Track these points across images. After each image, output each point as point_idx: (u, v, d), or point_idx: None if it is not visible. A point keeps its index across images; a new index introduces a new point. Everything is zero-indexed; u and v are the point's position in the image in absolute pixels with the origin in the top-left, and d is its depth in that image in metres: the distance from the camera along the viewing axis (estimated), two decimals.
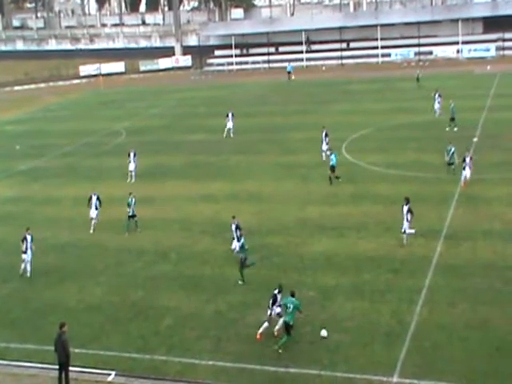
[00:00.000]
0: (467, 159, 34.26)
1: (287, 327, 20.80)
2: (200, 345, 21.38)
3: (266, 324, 21.56)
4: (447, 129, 46.01)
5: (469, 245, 27.20)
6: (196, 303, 24.16)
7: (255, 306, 23.39)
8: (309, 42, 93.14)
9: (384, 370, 19.10)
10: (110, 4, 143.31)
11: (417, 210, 31.25)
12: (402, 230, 27.68)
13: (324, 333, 21.28)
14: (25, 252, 27.46)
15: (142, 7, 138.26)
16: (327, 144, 41.10)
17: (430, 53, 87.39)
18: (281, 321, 21.21)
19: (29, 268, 27.51)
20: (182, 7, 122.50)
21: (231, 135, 50.58)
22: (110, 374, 19.95)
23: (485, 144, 42.05)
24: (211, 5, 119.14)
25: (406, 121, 49.50)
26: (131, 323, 23.04)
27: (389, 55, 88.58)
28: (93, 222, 32.37)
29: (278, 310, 21.55)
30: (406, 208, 27.64)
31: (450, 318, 21.66)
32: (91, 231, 32.29)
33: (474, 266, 25.16)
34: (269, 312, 21.60)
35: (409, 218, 27.49)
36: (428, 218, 30.46)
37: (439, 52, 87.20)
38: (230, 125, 50.60)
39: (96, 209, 32.33)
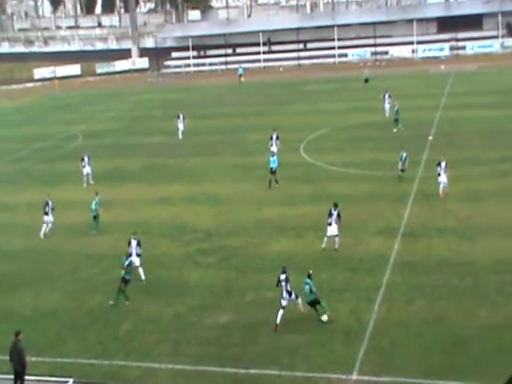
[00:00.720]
0: (442, 164, 32.71)
1: (313, 304, 21.71)
2: (159, 348, 21.25)
3: (281, 312, 21.78)
4: (395, 130, 46.35)
5: (425, 242, 27.57)
6: (155, 307, 23.99)
7: (214, 308, 23.36)
8: (269, 43, 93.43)
9: (343, 369, 19.22)
10: (64, 6, 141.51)
11: (374, 209, 31.86)
12: (328, 234, 27.58)
13: (325, 317, 21.71)
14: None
15: (98, 9, 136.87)
16: (277, 146, 41.20)
17: (386, 53, 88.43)
18: (299, 301, 22.20)
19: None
20: (138, 9, 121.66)
21: (180, 136, 50.89)
22: (67, 382, 19.64)
23: (440, 142, 42.70)
24: (168, 6, 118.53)
25: (363, 120, 49.97)
26: (89, 329, 22.76)
27: (345, 55, 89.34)
28: (49, 226, 32.14)
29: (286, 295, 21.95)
30: (335, 212, 27.59)
31: (407, 314, 21.91)
32: (43, 235, 32.00)
33: (430, 263, 25.52)
34: (284, 301, 21.92)
35: (337, 221, 27.43)
36: (385, 216, 30.82)
37: (395, 52, 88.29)
38: (181, 126, 50.95)
39: (49, 213, 32.08)
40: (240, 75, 79.91)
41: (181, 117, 51.23)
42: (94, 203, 32.07)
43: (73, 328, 22.93)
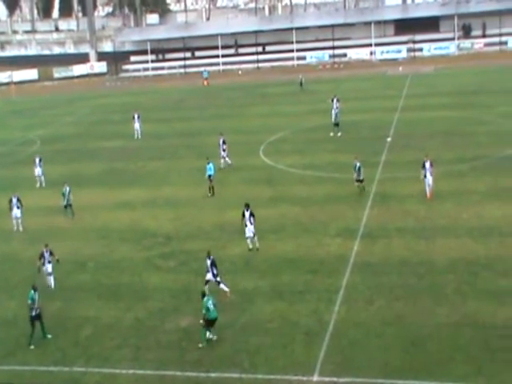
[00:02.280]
0: (427, 165, 32.42)
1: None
2: (120, 354, 21.13)
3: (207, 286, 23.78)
4: (336, 134, 46.57)
5: (384, 243, 27.88)
6: (115, 312, 23.84)
7: (175, 312, 23.32)
8: (236, 46, 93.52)
9: (304, 370, 19.35)
10: (21, 10, 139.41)
11: (334, 211, 32.12)
12: (246, 235, 28.11)
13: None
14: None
15: (55, 13, 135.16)
16: (224, 151, 41.26)
17: (345, 55, 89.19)
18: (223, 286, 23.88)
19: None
20: (96, 13, 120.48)
21: (139, 137, 51.63)
22: None
23: (398, 143, 43.24)
24: (126, 10, 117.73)
25: (322, 122, 50.30)
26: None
27: (304, 58, 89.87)
28: (19, 221, 33.18)
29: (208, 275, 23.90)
30: (247, 213, 28.05)
31: (366, 315, 22.14)
32: (20, 229, 33.19)
33: (389, 263, 25.82)
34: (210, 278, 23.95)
35: (252, 221, 27.94)
36: (345, 217, 31.11)
37: (353, 54, 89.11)
38: (136, 126, 51.75)
39: (18, 208, 33.29)
40: (205, 78, 79.76)
41: (135, 117, 52.02)
42: (63, 192, 34.30)
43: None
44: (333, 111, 48.14)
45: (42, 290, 24.89)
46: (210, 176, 36.16)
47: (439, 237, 27.91)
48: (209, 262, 24.02)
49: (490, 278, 23.82)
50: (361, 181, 34.22)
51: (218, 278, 24.02)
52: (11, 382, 19.84)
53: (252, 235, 28.12)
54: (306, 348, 20.53)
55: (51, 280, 25.97)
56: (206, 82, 79.29)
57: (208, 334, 21.38)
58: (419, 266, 25.26)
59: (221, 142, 41.60)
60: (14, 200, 33.42)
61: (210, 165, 36.38)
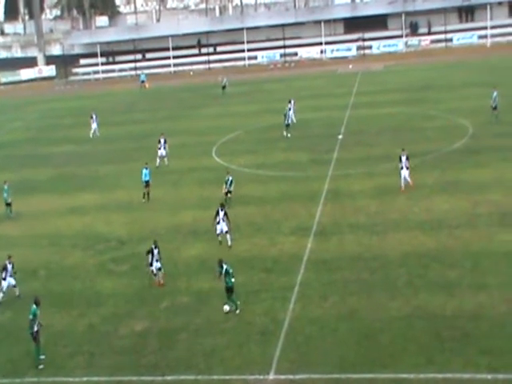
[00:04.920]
0: (403, 158, 32.72)
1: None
2: (73, 361, 20.85)
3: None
4: (285, 134, 46.38)
5: (337, 239, 28.10)
6: (68, 319, 23.51)
7: (129, 317, 23.10)
8: (199, 45, 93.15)
9: (260, 369, 19.38)
10: None
11: (287, 209, 32.25)
12: (217, 232, 28.50)
13: (226, 308, 22.38)
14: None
15: (1, 16, 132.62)
16: (165, 149, 41.53)
17: (295, 54, 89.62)
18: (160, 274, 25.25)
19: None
20: (43, 16, 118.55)
21: (97, 134, 52.69)
22: None
23: (349, 140, 43.65)
24: (75, 13, 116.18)
25: (274, 122, 50.44)
26: None
27: (255, 58, 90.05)
28: None
29: (158, 264, 25.12)
30: (222, 213, 28.40)
31: (321, 311, 22.28)
32: None
33: (343, 259, 26.04)
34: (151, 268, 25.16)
35: (224, 220, 28.34)
36: (298, 215, 31.25)
37: (304, 53, 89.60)
38: (94, 126, 52.90)
39: None
40: (142, 81, 79.11)
41: (93, 116, 53.09)
42: (4, 192, 34.55)
43: None
44: (289, 112, 48.16)
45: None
46: (146, 182, 35.60)
47: (391, 231, 28.26)
48: (156, 252, 25.28)
49: (440, 270, 24.24)
50: (229, 192, 33.70)
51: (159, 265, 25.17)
52: None
53: (224, 231, 28.36)
54: (261, 347, 20.55)
55: (17, 291, 25.23)
56: (145, 85, 78.43)
57: (227, 306, 22.45)
58: (372, 260, 25.55)
59: (162, 141, 41.49)
60: None
61: (147, 170, 35.69)
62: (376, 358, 19.28)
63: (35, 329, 20.85)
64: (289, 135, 46.19)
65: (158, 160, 41.36)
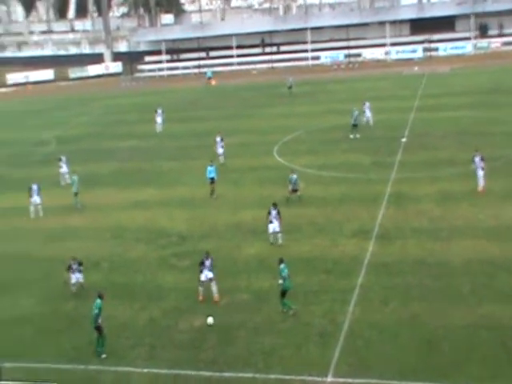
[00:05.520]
0: (476, 159, 32.44)
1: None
2: (135, 353, 21.19)
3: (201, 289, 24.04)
4: (351, 136, 46.16)
5: (399, 243, 27.73)
6: (129, 311, 23.90)
7: (188, 312, 23.35)
8: (263, 45, 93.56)
9: (318, 370, 19.29)
10: (37, 11, 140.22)
11: (348, 211, 32.01)
12: (270, 231, 28.64)
13: (210, 320, 22.18)
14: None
15: (71, 14, 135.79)
16: (222, 148, 41.70)
17: (359, 55, 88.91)
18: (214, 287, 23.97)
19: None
20: (111, 13, 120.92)
21: (161, 130, 53.62)
22: None
23: (413, 144, 43.02)
24: (141, 10, 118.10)
25: (337, 122, 50.18)
26: (64, 334, 22.61)
27: (318, 58, 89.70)
28: (39, 207, 34.90)
29: (210, 274, 23.95)
30: (274, 211, 28.57)
31: (381, 315, 22.03)
32: (41, 214, 34.83)
33: (405, 264, 25.67)
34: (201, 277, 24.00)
35: (278, 219, 28.46)
36: (359, 217, 30.98)
37: (368, 54, 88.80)
38: (159, 120, 53.93)
39: (37, 195, 34.96)
40: (209, 78, 79.86)
41: (158, 111, 54.24)
42: (73, 183, 36.05)
43: (48, 333, 22.81)
44: (366, 114, 47.80)
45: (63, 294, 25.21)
46: (212, 178, 35.97)
47: (455, 237, 27.72)
48: (208, 263, 24.09)
49: (507, 279, 23.63)
50: (296, 190, 33.84)
51: (212, 274, 24.07)
52: (27, 378, 19.93)
53: (276, 231, 28.51)
54: (320, 348, 20.47)
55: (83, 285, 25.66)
56: (212, 82, 79.16)
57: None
58: (435, 266, 25.12)
59: (218, 139, 41.68)
60: (35, 187, 35.08)
61: (212, 167, 36.15)
62: (437, 367, 18.96)
63: (99, 322, 21.27)
64: (357, 136, 45.84)
65: (220, 158, 41.62)
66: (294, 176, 33.81)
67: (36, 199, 34.99)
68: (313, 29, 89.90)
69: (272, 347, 20.79)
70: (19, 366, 20.63)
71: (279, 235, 28.58)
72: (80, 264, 25.43)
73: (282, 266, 22.72)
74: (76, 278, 25.33)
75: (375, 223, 30.03)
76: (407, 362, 19.32)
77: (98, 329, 21.29)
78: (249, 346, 20.95)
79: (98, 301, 21.42)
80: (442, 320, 21.29)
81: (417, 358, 19.47)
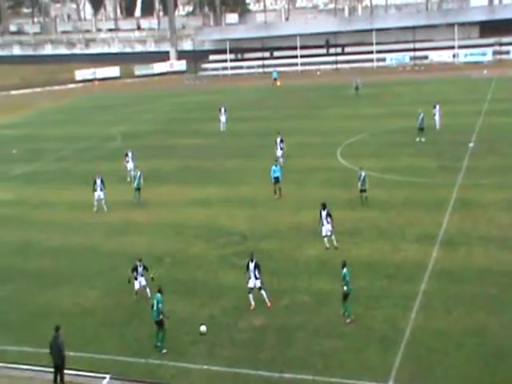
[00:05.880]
0: None
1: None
2: (194, 349, 21.30)
3: (251, 295, 23.46)
4: (417, 139, 45.37)
5: (465, 250, 27.09)
6: (190, 307, 24.06)
7: (248, 311, 23.32)
8: (328, 45, 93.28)
9: (378, 376, 19.00)
10: (105, 9, 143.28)
11: (412, 216, 31.47)
12: (323, 234, 28.27)
13: (203, 328, 21.97)
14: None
15: (138, 12, 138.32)
16: (281, 149, 41.22)
17: (426, 57, 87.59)
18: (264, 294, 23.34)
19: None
20: (177, 12, 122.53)
21: (224, 129, 53.80)
22: (104, 378, 19.84)
23: (481, 149, 42.08)
24: (206, 9, 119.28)
25: (402, 125, 49.51)
26: (126, 327, 22.92)
27: (384, 60, 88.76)
28: (97, 202, 35.42)
29: (258, 283, 23.32)
30: (324, 213, 28.14)
31: (445, 324, 21.54)
32: (105, 209, 35.48)
33: (470, 272, 25.06)
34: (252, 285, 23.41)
35: (329, 221, 28.08)
36: (423, 223, 30.43)
37: (435, 56, 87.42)
38: (223, 119, 54.10)
39: (101, 190, 35.43)
40: (275, 79, 79.97)
41: (222, 110, 54.33)
42: (135, 178, 36.76)
43: (110, 325, 23.17)
44: (436, 117, 47.02)
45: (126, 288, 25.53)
46: (276, 178, 35.90)
47: None
48: (252, 266, 23.58)
49: None
50: (364, 190, 33.46)
51: (260, 283, 23.42)
52: (90, 369, 20.31)
53: (329, 234, 28.14)
54: (381, 354, 20.16)
55: (148, 291, 24.72)
56: (277, 83, 79.24)
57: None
58: (502, 276, 24.40)
59: (278, 140, 41.47)
60: (98, 181, 35.45)
61: (277, 167, 36.12)
62: (504, 380, 18.41)
63: (161, 317, 21.49)
64: (423, 139, 45.12)
65: (279, 160, 41.14)
66: (363, 173, 33.45)
67: (100, 194, 35.45)
68: (378, 30, 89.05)
69: (332, 350, 20.61)
70: (82, 356, 21.03)
71: (332, 237, 28.25)
72: (145, 268, 24.69)
73: (345, 269, 22.45)
74: (139, 283, 24.64)
75: (440, 229, 29.43)
76: (471, 373, 18.81)
77: (159, 323, 21.53)
78: (308, 348, 20.81)
79: (158, 295, 21.64)
80: (510, 332, 20.64)
81: (482, 370, 18.92)
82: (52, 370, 19.65)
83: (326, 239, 28.33)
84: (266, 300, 23.52)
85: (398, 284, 24.67)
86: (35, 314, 24.43)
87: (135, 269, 24.63)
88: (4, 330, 23.39)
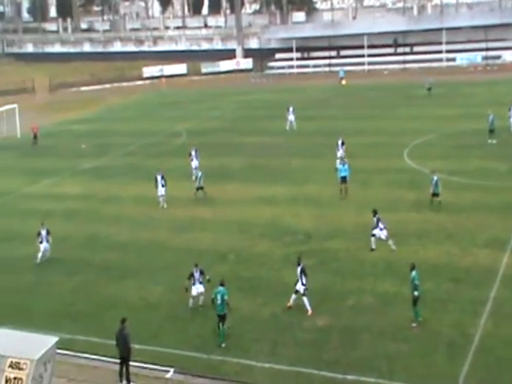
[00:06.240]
0: None
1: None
2: (257, 347, 21.37)
3: (294, 296, 23.32)
4: (489, 141, 44.20)
5: None
6: (253, 305, 24.12)
7: (312, 311, 23.18)
8: (396, 45, 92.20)
9: (445, 382, 18.64)
10: (173, 7, 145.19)
11: (481, 219, 30.73)
12: (372, 233, 28.12)
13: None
14: (41, 243, 29.66)
15: (205, 10, 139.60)
16: (344, 152, 40.51)
17: (499, 57, 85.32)
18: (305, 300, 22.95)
19: (39, 256, 29.45)
20: (243, 10, 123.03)
21: (292, 128, 53.46)
22: (168, 371, 20.04)
23: None
24: (273, 8, 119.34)
25: (472, 127, 48.39)
26: (189, 322, 23.16)
27: (454, 59, 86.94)
28: (161, 198, 35.76)
29: (301, 289, 23.07)
30: (374, 219, 28.15)
31: None
32: (164, 206, 35.78)
33: None
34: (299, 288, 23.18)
35: (382, 226, 27.89)
36: (493, 227, 29.70)
37: (508, 56, 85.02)
38: (291, 118, 53.94)
39: (163, 186, 35.66)
40: (341, 78, 79.38)
41: (290, 109, 54.15)
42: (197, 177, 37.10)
43: (175, 320, 23.46)
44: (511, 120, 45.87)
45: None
46: (343, 178, 35.61)
47: None
48: (298, 270, 23.38)
49: None
50: (436, 194, 32.78)
51: (304, 289, 23.14)
52: (154, 362, 20.60)
53: (382, 238, 27.94)
54: (447, 360, 19.78)
55: (201, 299, 24.08)
56: (342, 82, 78.69)
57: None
58: None
59: (339, 142, 40.94)
60: (159, 178, 35.61)
61: (344, 167, 35.81)
62: None
63: (225, 310, 21.61)
64: (494, 141, 44.02)
65: (337, 161, 40.53)
66: (435, 177, 32.83)
67: (161, 190, 35.66)
68: (448, 29, 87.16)
69: (397, 353, 20.34)
70: (146, 349, 21.34)
71: (389, 241, 27.92)
72: (202, 273, 23.93)
73: (414, 272, 22.06)
74: (197, 289, 23.90)
75: (511, 234, 28.62)
76: None
77: (224, 317, 21.65)
78: (373, 350, 20.60)
79: (221, 288, 21.74)
80: None
81: None
82: (118, 361, 20.01)
83: (372, 239, 28.21)
84: (308, 307, 23.11)
85: (466, 289, 24.16)
86: (102, 305, 24.97)
87: (192, 275, 23.94)
88: (72, 320, 23.98)
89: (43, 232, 29.45)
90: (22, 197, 40.71)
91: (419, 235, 29.47)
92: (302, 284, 23.18)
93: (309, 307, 23.12)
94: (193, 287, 23.88)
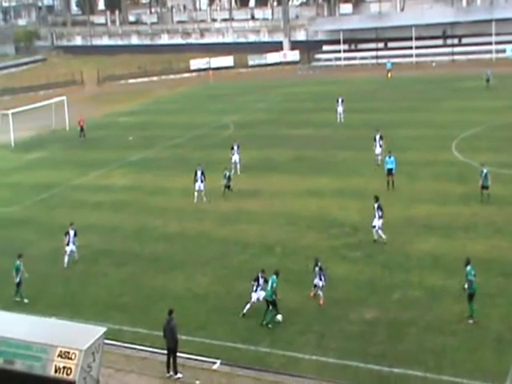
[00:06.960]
0: None
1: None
2: (303, 339, 21.47)
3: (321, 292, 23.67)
4: None
5: None
6: (299, 297, 24.21)
7: (359, 304, 23.26)
8: (445, 36, 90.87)
9: (494, 378, 18.50)
10: (220, 0, 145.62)
11: None
12: (372, 225, 28.05)
13: (279, 317, 22.17)
14: (67, 244, 28.56)
15: (252, 2, 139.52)
16: (381, 147, 39.90)
17: None
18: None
19: (66, 259, 28.62)
20: (290, 2, 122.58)
21: (341, 120, 53.39)
22: (215, 363, 20.35)
23: None
24: (320, 0, 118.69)
25: None
26: (237, 314, 23.26)
27: (504, 51, 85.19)
28: (202, 193, 35.73)
29: (320, 283, 23.53)
30: (375, 205, 28.06)
31: None
32: (204, 200, 35.57)
33: None
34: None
35: (380, 214, 27.91)
36: None
37: None
38: (340, 109, 53.85)
39: (202, 182, 35.56)
40: (388, 70, 78.54)
41: (339, 100, 54.07)
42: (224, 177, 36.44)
43: (221, 312, 23.68)
44: None
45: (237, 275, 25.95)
46: (389, 170, 35.33)
47: None
48: (317, 269, 23.67)
49: None
50: (486, 187, 32.25)
51: (322, 285, 23.58)
52: (201, 353, 20.88)
53: (373, 225, 28.17)
54: (496, 355, 19.59)
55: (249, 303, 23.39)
56: (389, 74, 77.86)
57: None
58: None
59: (378, 137, 40.44)
60: (199, 173, 35.65)
61: (391, 159, 35.50)
62: None
63: (274, 297, 22.16)
64: None
65: (377, 158, 39.97)
66: (485, 170, 32.40)
67: (200, 185, 35.57)
68: (498, 20, 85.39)
69: (444, 347, 20.23)
70: (193, 340, 21.64)
71: (374, 230, 28.16)
72: (266, 280, 22.75)
73: (469, 267, 21.78)
74: (258, 296, 22.99)
75: None
76: None
77: (272, 303, 22.04)
78: (419, 344, 20.53)
79: (274, 277, 22.26)
80: None
81: None
82: (165, 352, 20.27)
83: (374, 231, 28.22)
84: (321, 295, 23.67)
85: None
86: (149, 296, 25.35)
87: (256, 279, 23.07)
88: (120, 311, 24.41)
89: (71, 232, 28.45)
90: (72, 189, 41.49)
91: (467, 228, 29.20)
92: (320, 279, 23.60)
93: (322, 298, 23.66)
94: (253, 293, 23.04)
